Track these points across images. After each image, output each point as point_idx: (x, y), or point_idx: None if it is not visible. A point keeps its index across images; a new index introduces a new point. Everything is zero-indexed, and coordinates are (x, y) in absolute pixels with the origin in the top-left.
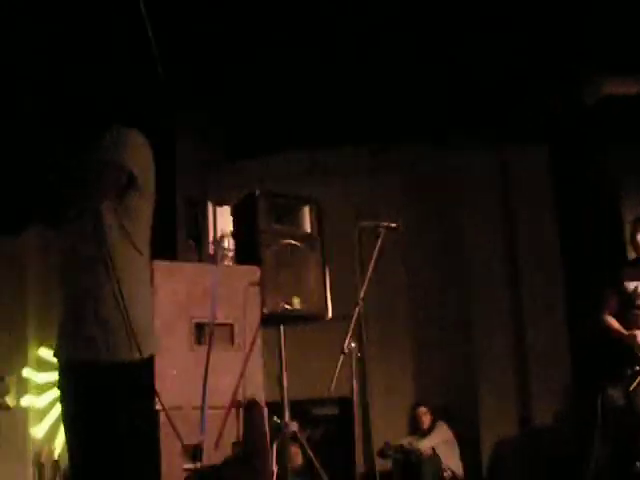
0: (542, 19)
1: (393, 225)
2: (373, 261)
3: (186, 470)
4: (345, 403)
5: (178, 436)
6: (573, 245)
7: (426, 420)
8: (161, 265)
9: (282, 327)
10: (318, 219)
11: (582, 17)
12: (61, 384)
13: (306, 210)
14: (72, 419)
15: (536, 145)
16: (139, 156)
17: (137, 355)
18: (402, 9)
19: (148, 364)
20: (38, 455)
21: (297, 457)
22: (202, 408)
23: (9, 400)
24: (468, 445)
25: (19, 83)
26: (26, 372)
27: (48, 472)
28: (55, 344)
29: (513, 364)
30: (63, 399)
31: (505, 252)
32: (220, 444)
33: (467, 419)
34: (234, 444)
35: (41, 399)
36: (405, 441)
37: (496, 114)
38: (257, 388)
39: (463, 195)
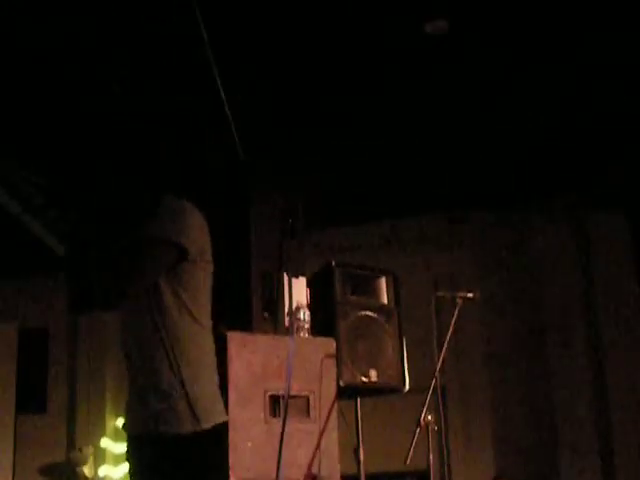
0: (624, 89)
1: (470, 295)
2: (450, 332)
3: None
4: (423, 477)
5: None
6: None
7: None
8: (236, 336)
9: (358, 399)
10: (395, 290)
11: None
12: (129, 458)
13: (383, 281)
14: None
15: (614, 211)
16: (191, 230)
17: (210, 423)
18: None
19: (214, 435)
20: None
21: None
22: None
23: (87, 470)
24: None
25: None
26: (104, 442)
27: None
28: (124, 418)
29: (596, 441)
30: (131, 473)
31: (586, 322)
32: None
33: None
34: None
35: (118, 470)
36: None
37: (575, 181)
38: (333, 461)
39: (542, 264)
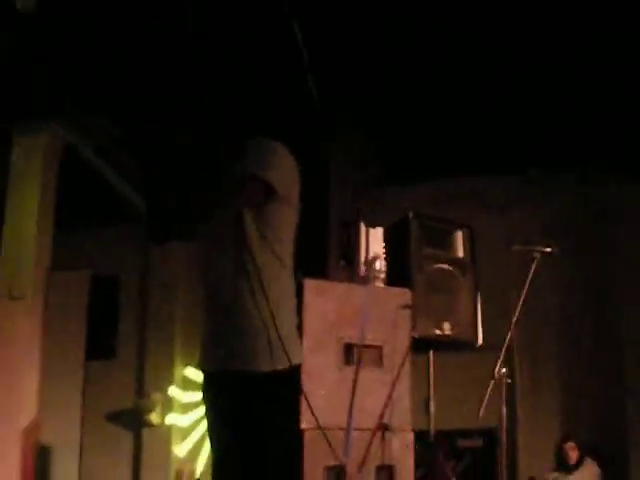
0: None
1: (548, 250)
2: (526, 287)
3: None
4: (491, 435)
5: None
6: None
7: (574, 455)
8: (312, 283)
9: (431, 352)
10: (471, 244)
11: None
12: (206, 395)
13: (459, 235)
14: (216, 430)
15: None
16: (281, 170)
17: (286, 364)
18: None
19: (295, 374)
20: (180, 473)
21: None
22: (348, 430)
23: (154, 418)
24: None
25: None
26: (171, 391)
27: None
28: (199, 356)
29: None
30: (208, 410)
31: None
32: (364, 468)
33: (616, 460)
34: (378, 468)
35: (185, 418)
36: (551, 476)
37: None
38: (404, 412)
39: (619, 229)
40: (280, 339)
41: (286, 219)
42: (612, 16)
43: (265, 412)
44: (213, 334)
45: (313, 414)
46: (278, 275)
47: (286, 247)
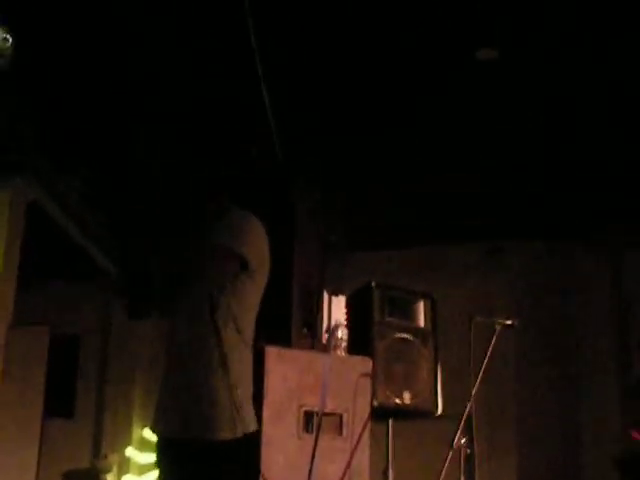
0: None
1: (509, 322)
2: (487, 358)
3: None
4: None
5: None
6: None
7: None
8: (274, 351)
9: (390, 421)
10: (432, 314)
11: None
12: (160, 459)
13: (421, 304)
14: None
15: None
16: (254, 242)
17: (241, 433)
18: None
19: (251, 442)
20: None
21: None
22: None
23: (110, 478)
24: None
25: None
26: (129, 451)
27: None
28: (154, 419)
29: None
30: (163, 474)
31: (619, 357)
32: None
33: None
34: None
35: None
36: None
37: (611, 219)
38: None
39: (575, 298)
40: (236, 408)
41: (254, 293)
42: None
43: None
44: (170, 400)
45: None
46: (240, 350)
47: (249, 323)
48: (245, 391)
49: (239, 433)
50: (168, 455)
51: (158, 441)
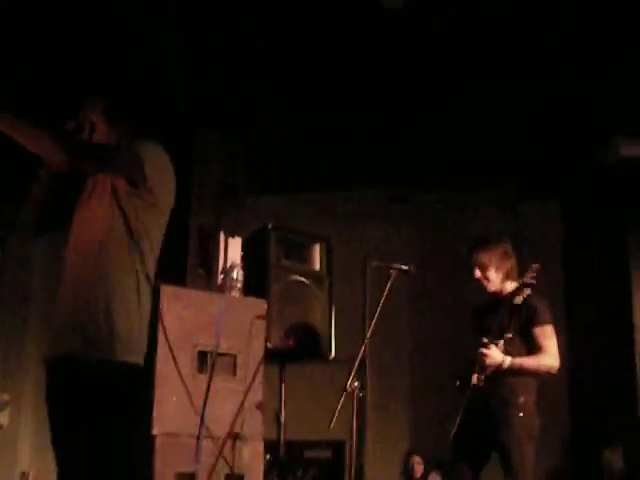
0: (564, 80)
1: (405, 268)
2: (381, 303)
3: None
4: (339, 447)
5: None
6: (579, 309)
7: (419, 470)
8: (169, 290)
9: (285, 364)
10: (328, 257)
11: (604, 79)
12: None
13: (317, 248)
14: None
15: (549, 204)
16: (155, 157)
17: (113, 357)
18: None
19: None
20: (25, 475)
21: None
22: (199, 437)
23: (1, 418)
24: None
25: None
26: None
27: None
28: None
29: None
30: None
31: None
32: (214, 476)
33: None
34: (227, 476)
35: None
36: None
37: (513, 173)
38: (256, 422)
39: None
40: (112, 332)
41: (156, 221)
42: None
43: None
44: (59, 316)
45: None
46: (133, 272)
47: (153, 250)
48: (128, 320)
49: (118, 358)
50: (54, 375)
51: (46, 363)
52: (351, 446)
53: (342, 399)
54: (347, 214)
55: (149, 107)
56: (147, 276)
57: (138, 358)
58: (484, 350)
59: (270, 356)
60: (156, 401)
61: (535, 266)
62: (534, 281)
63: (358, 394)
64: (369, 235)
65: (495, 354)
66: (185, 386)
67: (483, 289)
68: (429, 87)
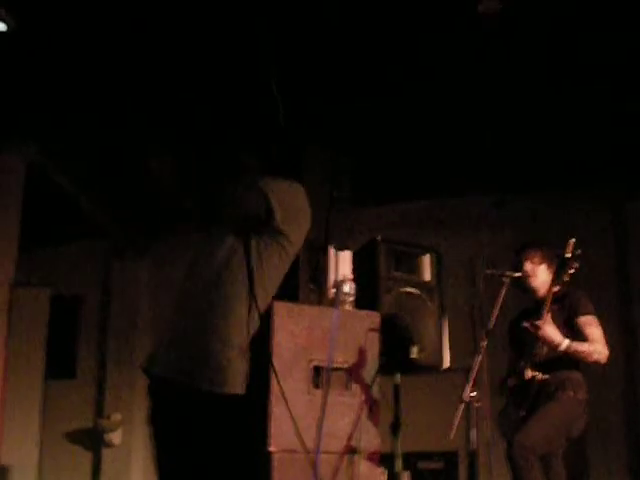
0: None
1: (517, 275)
2: (496, 311)
3: None
4: (451, 457)
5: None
6: None
7: None
8: (282, 306)
9: (399, 375)
10: (437, 267)
11: None
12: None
13: (426, 258)
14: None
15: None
16: (285, 195)
17: (228, 390)
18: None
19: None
20: None
21: None
22: (316, 453)
23: (114, 438)
24: None
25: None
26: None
27: None
28: (150, 355)
29: None
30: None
31: (620, 311)
32: None
33: None
34: None
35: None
36: None
37: (614, 172)
38: (372, 435)
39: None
40: (230, 363)
41: (280, 259)
42: None
43: (227, 438)
44: (171, 336)
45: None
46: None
47: (271, 288)
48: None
49: (224, 390)
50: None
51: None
52: (465, 457)
53: (461, 410)
54: (452, 222)
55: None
56: (257, 307)
57: (241, 389)
58: (538, 323)
59: (384, 369)
60: (273, 418)
61: (572, 241)
62: (571, 255)
63: (475, 404)
64: (477, 242)
65: (551, 330)
66: (301, 402)
67: (522, 286)
68: (524, 89)
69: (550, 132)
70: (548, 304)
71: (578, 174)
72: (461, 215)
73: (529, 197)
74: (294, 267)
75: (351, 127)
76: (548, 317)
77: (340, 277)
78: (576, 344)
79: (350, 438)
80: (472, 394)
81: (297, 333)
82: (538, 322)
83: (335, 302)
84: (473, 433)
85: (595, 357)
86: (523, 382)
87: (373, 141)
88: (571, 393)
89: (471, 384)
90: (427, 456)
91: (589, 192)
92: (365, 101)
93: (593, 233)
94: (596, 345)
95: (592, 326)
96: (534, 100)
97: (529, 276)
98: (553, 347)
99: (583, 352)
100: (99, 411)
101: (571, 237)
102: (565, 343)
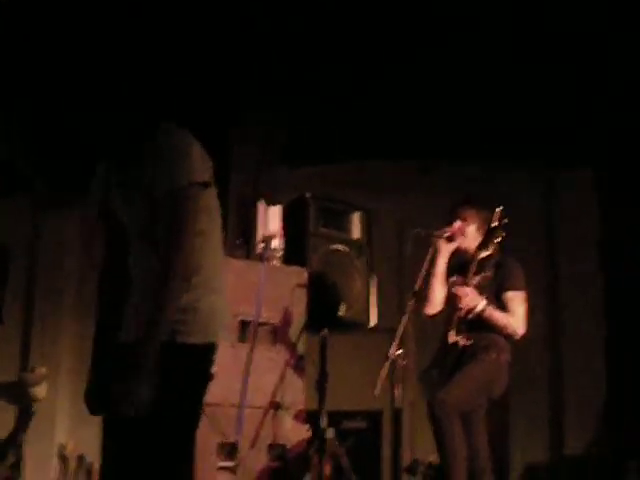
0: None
1: (448, 234)
2: (424, 271)
3: (220, 468)
4: (375, 417)
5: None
6: (617, 276)
7: None
8: None
9: (325, 332)
10: (367, 226)
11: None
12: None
13: (356, 217)
14: None
15: (583, 171)
16: (200, 162)
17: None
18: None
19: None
20: (62, 448)
21: (327, 467)
22: (240, 407)
23: (38, 391)
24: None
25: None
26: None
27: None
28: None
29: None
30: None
31: (546, 277)
32: (256, 446)
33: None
34: (269, 446)
35: None
36: (435, 457)
37: (546, 140)
38: (297, 392)
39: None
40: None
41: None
42: None
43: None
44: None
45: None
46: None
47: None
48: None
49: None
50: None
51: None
52: (390, 415)
53: (386, 368)
54: (381, 184)
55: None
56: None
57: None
58: (461, 289)
59: (311, 325)
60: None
61: (498, 209)
62: (498, 223)
63: (401, 363)
64: (403, 205)
65: (473, 295)
66: (226, 356)
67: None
68: (456, 56)
69: (485, 100)
70: (473, 268)
71: (509, 143)
72: (393, 178)
73: (463, 164)
74: (222, 221)
75: (285, 89)
76: (472, 281)
77: (269, 232)
78: (492, 310)
79: (275, 394)
80: (398, 352)
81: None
82: (459, 286)
83: (262, 257)
84: (398, 392)
85: (509, 331)
86: (446, 345)
87: (307, 102)
88: (494, 355)
89: (397, 343)
90: (352, 415)
91: (521, 162)
92: (298, 62)
93: (522, 202)
94: (513, 320)
95: (516, 302)
96: (464, 69)
97: (458, 235)
98: (470, 309)
99: (497, 320)
100: (23, 364)
101: (498, 206)
102: (482, 304)
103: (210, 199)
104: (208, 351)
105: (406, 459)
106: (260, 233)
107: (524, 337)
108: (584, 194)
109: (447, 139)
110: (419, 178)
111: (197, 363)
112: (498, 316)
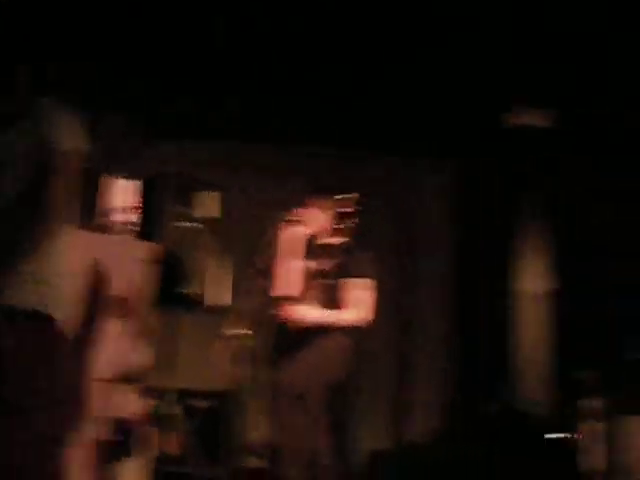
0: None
1: (295, 219)
2: (271, 252)
3: None
4: (221, 396)
5: None
6: (467, 255)
7: None
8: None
9: (175, 311)
10: (223, 206)
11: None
12: None
13: (213, 196)
14: None
15: (443, 163)
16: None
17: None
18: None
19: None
20: None
21: (171, 444)
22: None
23: None
24: None
25: None
26: None
27: None
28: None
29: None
30: None
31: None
32: (99, 417)
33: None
34: (112, 419)
35: None
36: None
37: (410, 130)
38: (144, 367)
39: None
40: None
41: None
42: None
43: None
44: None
45: None
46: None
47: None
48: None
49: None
50: None
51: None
52: (238, 396)
53: (230, 348)
54: (240, 165)
55: None
56: None
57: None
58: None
59: (162, 301)
60: None
61: (351, 195)
62: (351, 210)
63: (241, 343)
64: (260, 186)
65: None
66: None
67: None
68: (326, 42)
69: (345, 87)
70: (322, 253)
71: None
72: (247, 157)
73: (321, 149)
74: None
75: (159, 60)
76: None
77: (122, 206)
78: (325, 316)
79: (120, 367)
80: (237, 332)
81: (73, 258)
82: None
83: (114, 230)
84: (240, 372)
85: (348, 323)
86: (288, 326)
87: (175, 80)
88: (332, 340)
89: (233, 322)
90: (197, 394)
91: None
92: (161, 34)
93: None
94: (357, 309)
95: (363, 289)
96: (333, 53)
97: (310, 219)
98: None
99: (334, 323)
100: None
101: (353, 192)
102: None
103: None
104: None
105: (248, 439)
106: (113, 206)
107: (371, 325)
108: (442, 194)
109: (305, 122)
110: (276, 160)
111: None
112: (333, 318)
